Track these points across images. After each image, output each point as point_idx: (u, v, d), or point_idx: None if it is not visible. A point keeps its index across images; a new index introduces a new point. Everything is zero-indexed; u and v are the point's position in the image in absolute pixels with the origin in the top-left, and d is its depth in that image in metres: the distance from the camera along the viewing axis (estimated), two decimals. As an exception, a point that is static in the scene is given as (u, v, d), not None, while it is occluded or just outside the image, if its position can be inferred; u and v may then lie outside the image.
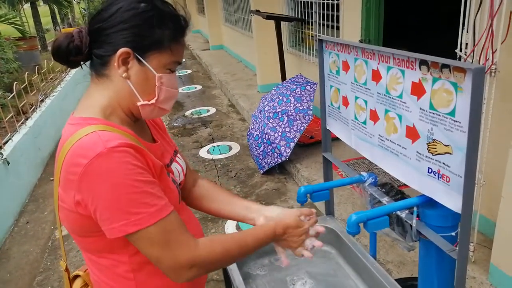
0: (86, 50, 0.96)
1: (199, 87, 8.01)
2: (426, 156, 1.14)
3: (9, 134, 4.46)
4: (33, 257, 3.32)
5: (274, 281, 1.70)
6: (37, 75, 5.64)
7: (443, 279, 1.30)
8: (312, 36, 5.05)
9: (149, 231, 0.88)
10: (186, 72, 9.45)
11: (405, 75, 1.16)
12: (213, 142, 5.17)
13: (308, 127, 4.25)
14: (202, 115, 6.27)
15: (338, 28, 4.30)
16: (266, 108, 4.17)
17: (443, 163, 1.08)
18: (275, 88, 4.44)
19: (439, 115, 1.06)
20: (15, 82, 4.80)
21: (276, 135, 3.91)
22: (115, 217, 0.86)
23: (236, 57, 9.48)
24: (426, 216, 1.22)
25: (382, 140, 1.32)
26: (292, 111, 3.94)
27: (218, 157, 4.70)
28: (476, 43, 2.06)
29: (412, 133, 1.17)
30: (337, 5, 4.20)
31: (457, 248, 1.10)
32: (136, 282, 1.02)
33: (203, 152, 4.88)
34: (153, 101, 0.99)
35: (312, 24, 4.99)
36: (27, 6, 13.07)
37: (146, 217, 0.87)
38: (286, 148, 3.84)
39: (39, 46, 10.88)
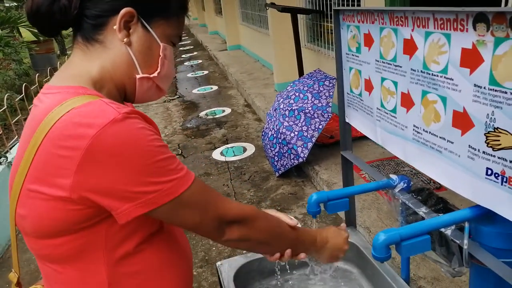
0: (75, 12, 0.80)
1: (215, 87, 7.78)
2: (483, 152, 0.82)
3: (16, 137, 4.31)
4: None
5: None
6: (49, 77, 5.51)
7: (504, 318, 0.97)
8: (332, 30, 4.73)
9: (186, 196, 0.77)
10: (203, 73, 9.25)
11: (451, 41, 0.84)
12: (227, 144, 4.90)
13: (328, 126, 3.92)
14: (217, 116, 6.02)
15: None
16: (281, 106, 3.87)
17: (511, 162, 0.76)
18: (291, 84, 4.13)
19: (505, 93, 0.74)
20: (24, 84, 4.66)
21: (292, 134, 3.60)
22: (142, 191, 0.72)
23: (254, 57, 9.23)
24: (481, 234, 0.90)
25: (418, 133, 1.00)
26: (310, 109, 3.63)
27: (231, 159, 4.43)
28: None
29: (462, 121, 0.85)
30: (359, -8, 3.87)
31: (531, 281, 0.78)
32: None
33: (216, 154, 4.61)
34: (155, 74, 0.86)
35: (331, 17, 4.66)
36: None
37: (179, 182, 0.76)
38: (303, 149, 3.53)
39: (58, 50, 10.91)
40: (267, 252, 1.04)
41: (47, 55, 8.42)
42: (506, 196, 0.79)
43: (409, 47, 0.97)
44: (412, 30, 0.95)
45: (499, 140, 0.78)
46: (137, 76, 0.84)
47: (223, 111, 6.21)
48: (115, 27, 0.80)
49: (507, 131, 0.76)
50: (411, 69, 0.98)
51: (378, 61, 1.12)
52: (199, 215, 0.80)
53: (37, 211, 0.77)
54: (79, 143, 0.69)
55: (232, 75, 7.89)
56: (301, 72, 5.00)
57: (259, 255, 1.49)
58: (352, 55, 1.26)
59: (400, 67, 1.02)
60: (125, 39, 0.81)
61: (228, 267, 1.43)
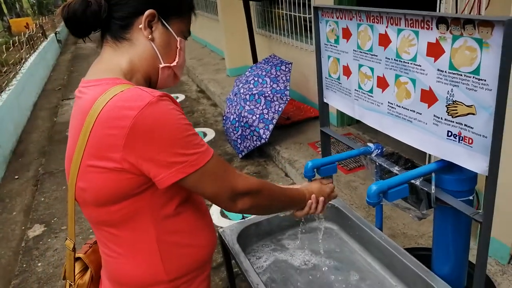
0: (104, 15, 0.95)
1: (165, 74, 7.73)
2: (445, 120, 1.10)
3: (-34, 132, 4.13)
4: (5, 260, 3.11)
5: (277, 262, 1.64)
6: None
7: (459, 246, 1.29)
8: (283, 17, 4.97)
9: (207, 167, 0.92)
10: (150, 60, 9.11)
11: (419, 36, 1.11)
12: (187, 129, 5.00)
13: (284, 108, 4.19)
14: (172, 103, 6.05)
15: (310, 5, 4.23)
16: (241, 91, 4.07)
17: (465, 125, 1.05)
18: (249, 69, 4.33)
19: (461, 75, 1.02)
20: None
21: (254, 117, 3.83)
22: (174, 161, 0.87)
23: (201, 42, 9.26)
24: (443, 181, 1.19)
25: (392, 108, 1.27)
26: (269, 92, 3.87)
27: (193, 144, 4.56)
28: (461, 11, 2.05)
29: (428, 97, 1.13)
30: (308, -19, 4.13)
31: (480, 211, 1.08)
32: (161, 254, 1.00)
33: (177, 140, 4.71)
34: (174, 63, 1.03)
35: (281, 3, 4.90)
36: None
37: (202, 155, 0.91)
38: (265, 131, 3.77)
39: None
40: (269, 214, 1.22)
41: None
42: (462, 151, 1.08)
43: (384, 40, 1.23)
44: (387, 27, 1.20)
45: (456, 110, 1.06)
46: (160, 66, 1.01)
47: (177, 97, 6.25)
48: (140, 26, 0.96)
49: (462, 103, 1.04)
50: (386, 58, 1.24)
51: (355, 51, 1.37)
52: (217, 185, 0.95)
53: (96, 183, 0.93)
54: (124, 123, 0.84)
55: (182, 61, 7.89)
56: (254, 57, 5.20)
57: (254, 221, 1.73)
58: (331, 45, 1.50)
59: (376, 56, 1.28)
60: (149, 36, 0.97)
61: (230, 232, 1.64)
